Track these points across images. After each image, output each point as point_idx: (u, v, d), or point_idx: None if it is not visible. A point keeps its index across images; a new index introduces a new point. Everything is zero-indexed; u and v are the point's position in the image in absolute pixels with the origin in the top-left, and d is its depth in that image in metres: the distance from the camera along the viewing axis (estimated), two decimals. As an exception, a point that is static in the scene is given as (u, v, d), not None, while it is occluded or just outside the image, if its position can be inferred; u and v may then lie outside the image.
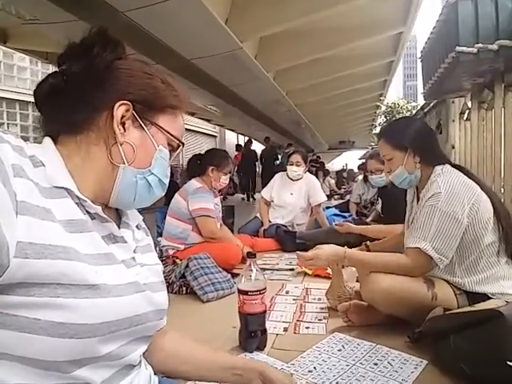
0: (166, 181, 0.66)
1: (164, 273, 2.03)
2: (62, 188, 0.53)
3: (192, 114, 10.53)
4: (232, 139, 18.66)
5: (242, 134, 17.21)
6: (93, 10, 3.38)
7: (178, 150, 0.68)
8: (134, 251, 0.63)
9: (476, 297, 1.32)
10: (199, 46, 4.56)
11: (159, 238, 2.50)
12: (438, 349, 1.16)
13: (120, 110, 0.58)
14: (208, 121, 12.62)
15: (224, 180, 2.55)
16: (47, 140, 0.58)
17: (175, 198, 2.44)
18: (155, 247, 2.42)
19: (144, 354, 0.64)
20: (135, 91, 0.60)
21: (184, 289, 1.89)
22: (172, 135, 0.64)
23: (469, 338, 1.06)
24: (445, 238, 1.28)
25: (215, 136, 18.21)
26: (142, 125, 0.61)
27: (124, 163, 0.59)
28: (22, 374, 0.47)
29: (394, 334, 1.34)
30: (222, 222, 2.65)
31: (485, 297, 1.32)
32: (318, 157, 12.82)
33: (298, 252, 1.58)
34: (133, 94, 0.60)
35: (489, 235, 1.31)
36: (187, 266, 1.89)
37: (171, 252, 2.32)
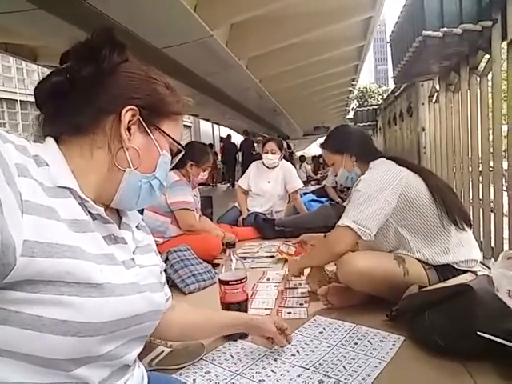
0: (165, 183, 0.68)
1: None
2: (66, 188, 0.53)
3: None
4: (207, 129, 18.46)
5: (217, 124, 17.03)
6: (53, -2, 3.23)
7: (179, 155, 0.70)
8: (134, 252, 0.64)
9: (444, 269, 1.40)
10: (169, 34, 4.44)
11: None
12: (414, 325, 1.21)
13: (127, 114, 0.59)
14: (181, 111, 12.39)
15: (203, 176, 2.52)
16: (50, 140, 0.57)
17: None
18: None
19: (153, 334, 0.67)
20: (142, 96, 0.61)
21: (165, 282, 1.88)
22: (175, 140, 0.66)
23: (442, 313, 1.12)
24: (361, 210, 1.40)
25: (189, 126, 17.95)
26: (148, 130, 0.62)
27: (130, 167, 0.60)
28: (21, 371, 0.47)
29: (373, 313, 1.38)
30: (201, 213, 2.64)
31: (452, 268, 1.40)
32: (288, 145, 12.81)
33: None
34: (140, 99, 0.60)
35: (427, 207, 1.43)
36: (167, 259, 1.88)
37: (150, 246, 2.29)
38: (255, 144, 10.16)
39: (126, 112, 0.59)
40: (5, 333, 0.46)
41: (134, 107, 0.60)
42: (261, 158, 3.50)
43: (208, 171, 2.56)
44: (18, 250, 0.43)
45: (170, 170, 2.45)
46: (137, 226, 0.69)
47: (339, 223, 1.43)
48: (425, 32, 2.04)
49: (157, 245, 2.43)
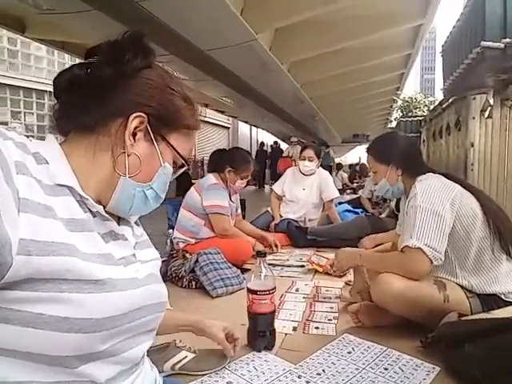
0: (163, 195, 0.66)
1: (174, 267, 2.04)
2: (65, 186, 0.53)
3: (206, 106, 10.52)
4: (245, 130, 18.59)
5: (254, 126, 17.11)
6: (108, 0, 3.37)
7: (182, 170, 0.68)
8: (134, 248, 0.63)
9: (489, 299, 1.30)
10: (214, 37, 4.51)
11: (170, 231, 2.50)
12: (451, 355, 1.13)
13: (135, 121, 0.58)
14: (221, 112, 12.59)
15: (240, 183, 2.50)
16: (50, 137, 0.58)
17: (191, 190, 2.42)
18: (166, 239, 2.40)
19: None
20: (154, 105, 0.60)
21: (193, 283, 1.89)
22: (180, 155, 0.64)
23: (485, 347, 1.03)
24: (430, 232, 1.28)
25: (228, 127, 18.16)
26: (153, 140, 0.60)
27: (126, 175, 0.59)
28: (25, 370, 0.47)
29: (406, 337, 1.31)
30: (241, 217, 2.68)
31: (497, 298, 1.29)
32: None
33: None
34: (151, 107, 0.59)
35: (479, 231, 1.32)
36: (197, 260, 1.89)
37: (182, 245, 2.32)
38: (288, 146, 10.79)
39: (134, 118, 0.58)
40: (6, 332, 0.46)
41: (143, 114, 0.58)
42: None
43: (246, 179, 2.53)
44: (14, 249, 0.43)
45: (211, 172, 2.48)
46: (135, 222, 0.69)
47: (408, 244, 1.29)
48: (484, 43, 1.92)
49: (187, 245, 2.48)
